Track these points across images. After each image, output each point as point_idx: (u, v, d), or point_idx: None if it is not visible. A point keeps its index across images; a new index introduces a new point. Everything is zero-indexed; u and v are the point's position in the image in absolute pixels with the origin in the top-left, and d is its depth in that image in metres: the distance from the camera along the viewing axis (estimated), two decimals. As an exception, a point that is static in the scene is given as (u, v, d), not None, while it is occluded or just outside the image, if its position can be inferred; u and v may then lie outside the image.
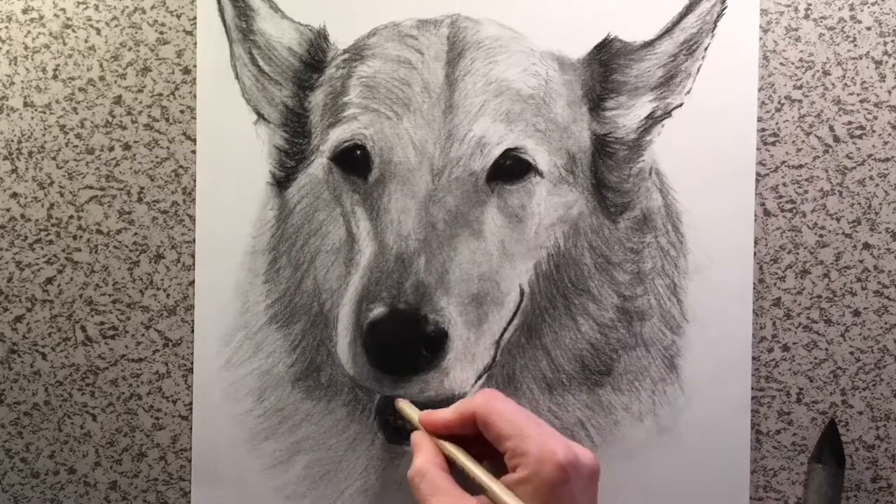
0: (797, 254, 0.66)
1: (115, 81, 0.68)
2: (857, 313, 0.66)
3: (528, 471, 0.46)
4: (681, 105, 0.65)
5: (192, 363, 0.67)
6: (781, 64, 0.66)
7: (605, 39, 0.64)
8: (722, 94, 0.64)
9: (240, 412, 0.66)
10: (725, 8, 0.64)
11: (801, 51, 0.66)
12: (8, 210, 0.69)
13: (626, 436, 0.65)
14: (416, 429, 0.52)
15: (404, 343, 0.62)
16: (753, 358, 0.65)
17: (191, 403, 0.68)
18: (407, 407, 0.55)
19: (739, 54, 0.64)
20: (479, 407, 0.49)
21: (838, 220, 0.66)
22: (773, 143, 0.66)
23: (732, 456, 0.64)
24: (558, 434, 0.47)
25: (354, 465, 0.66)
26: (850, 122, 0.66)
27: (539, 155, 0.63)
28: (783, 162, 0.66)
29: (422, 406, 0.64)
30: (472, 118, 0.63)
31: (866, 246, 0.66)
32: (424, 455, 0.50)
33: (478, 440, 0.49)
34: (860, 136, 0.66)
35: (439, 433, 0.51)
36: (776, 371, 0.66)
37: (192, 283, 0.68)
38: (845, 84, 0.66)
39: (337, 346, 0.64)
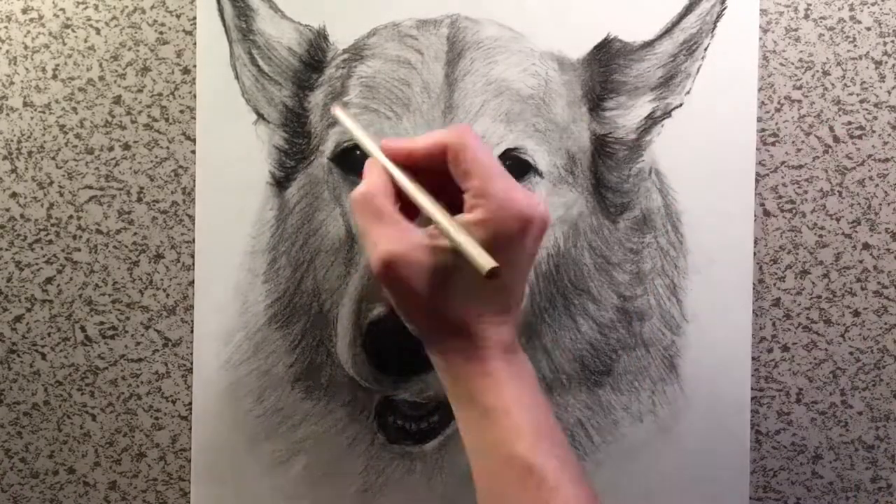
0: (797, 254, 0.66)
1: (115, 81, 0.68)
2: (856, 313, 0.66)
3: (487, 214, 0.44)
4: (680, 105, 0.65)
5: (191, 363, 0.67)
6: (781, 64, 0.66)
7: (605, 39, 0.64)
8: (722, 94, 0.64)
9: (239, 412, 0.66)
10: (725, 8, 0.64)
11: (801, 51, 0.66)
12: (7, 210, 0.69)
13: (625, 436, 0.65)
14: (366, 155, 0.50)
15: (404, 343, 0.62)
16: (753, 358, 0.65)
17: (190, 403, 0.68)
18: (349, 120, 0.52)
19: (739, 54, 0.64)
20: (454, 139, 0.47)
21: (838, 220, 0.66)
22: (773, 144, 0.66)
23: (732, 456, 0.64)
24: (520, 187, 0.46)
25: (354, 465, 0.66)
26: (849, 123, 0.66)
27: (539, 155, 0.63)
28: (783, 162, 0.66)
29: (421, 406, 0.65)
30: (472, 118, 0.63)
31: (866, 246, 0.66)
32: (373, 179, 0.48)
33: (433, 180, 0.48)
34: (860, 137, 0.66)
35: (398, 161, 0.49)
36: (776, 371, 0.66)
37: (191, 283, 0.67)
38: (845, 84, 0.66)
39: (337, 346, 0.64)
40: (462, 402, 0.46)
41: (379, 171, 0.48)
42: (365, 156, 0.64)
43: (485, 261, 0.42)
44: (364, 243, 0.47)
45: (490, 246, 0.43)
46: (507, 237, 0.44)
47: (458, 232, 0.44)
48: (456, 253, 0.44)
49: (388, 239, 0.45)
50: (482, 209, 0.45)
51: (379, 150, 0.49)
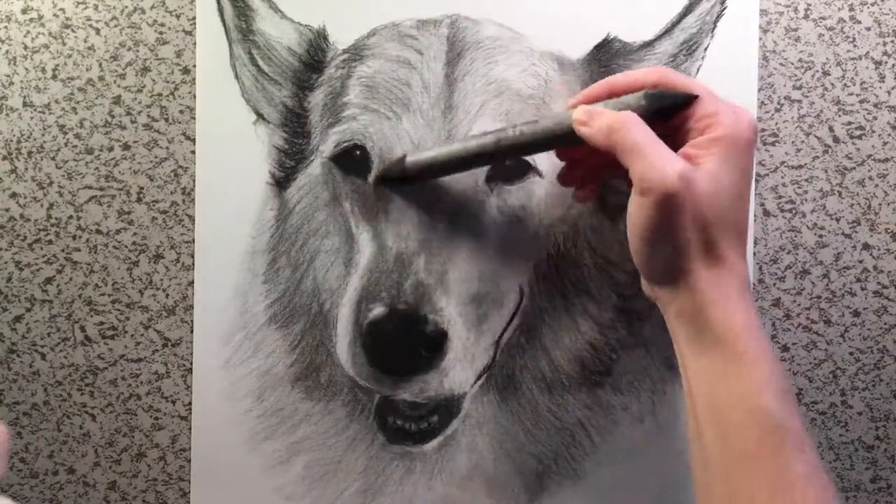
0: (797, 254, 0.66)
1: (115, 81, 0.68)
2: (856, 314, 0.66)
3: (723, 130, 0.45)
4: (680, 105, 0.65)
5: (191, 363, 0.67)
6: (781, 64, 0.66)
7: (605, 40, 0.64)
8: (721, 94, 0.64)
9: (239, 412, 0.66)
10: (725, 8, 0.64)
11: (801, 51, 0.66)
12: (7, 210, 0.69)
13: (625, 436, 0.65)
14: (366, 155, 0.50)
15: (404, 343, 0.62)
16: (753, 358, 0.65)
17: (190, 403, 0.68)
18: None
19: (739, 55, 0.64)
20: (662, 74, 0.48)
21: (838, 220, 0.66)
22: (773, 144, 0.66)
23: (732, 456, 0.64)
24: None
25: (354, 465, 0.66)
26: (849, 123, 0.66)
27: (539, 155, 0.63)
28: (783, 162, 0.66)
29: (421, 406, 0.65)
30: (472, 118, 0.63)
31: (866, 246, 0.66)
32: (626, 112, 0.48)
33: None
34: (860, 137, 0.66)
35: (600, 98, 0.50)
36: (776, 371, 0.66)
37: (191, 283, 0.67)
38: (845, 84, 0.66)
39: (336, 346, 0.64)
40: (707, 344, 0.44)
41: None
42: (365, 156, 0.64)
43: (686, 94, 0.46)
44: (639, 162, 0.46)
45: (734, 159, 0.44)
46: (744, 146, 0.45)
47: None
48: (723, 178, 0.45)
49: (677, 160, 0.45)
50: (716, 127, 0.45)
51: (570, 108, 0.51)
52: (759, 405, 0.41)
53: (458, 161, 0.58)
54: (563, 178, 0.61)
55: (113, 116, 0.68)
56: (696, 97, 0.47)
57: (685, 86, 0.48)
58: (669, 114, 0.48)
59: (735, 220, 0.46)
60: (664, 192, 0.44)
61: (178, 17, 0.68)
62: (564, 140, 0.53)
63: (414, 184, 0.62)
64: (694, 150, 0.46)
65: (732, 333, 0.43)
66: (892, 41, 0.65)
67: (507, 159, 0.62)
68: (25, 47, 0.68)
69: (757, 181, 0.65)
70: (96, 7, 0.68)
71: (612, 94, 0.50)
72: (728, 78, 0.64)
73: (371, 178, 0.57)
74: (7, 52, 0.68)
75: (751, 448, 0.41)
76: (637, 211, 0.46)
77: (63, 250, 0.69)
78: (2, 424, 0.21)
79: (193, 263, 0.67)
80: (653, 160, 0.45)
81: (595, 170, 0.59)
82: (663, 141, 0.47)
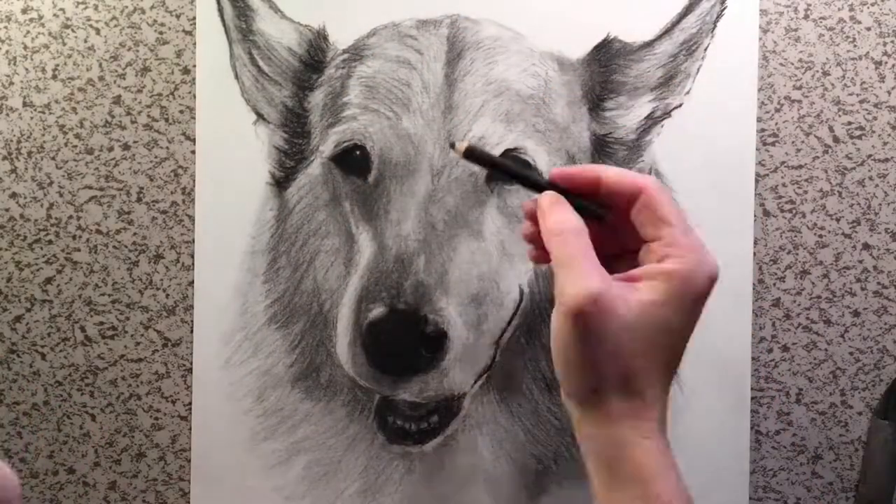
0: (797, 254, 0.66)
1: (115, 81, 0.68)
2: (856, 314, 0.66)
3: (681, 266, 0.43)
4: (680, 105, 0.65)
5: (191, 363, 0.67)
6: (781, 64, 0.66)
7: (605, 40, 0.64)
8: (721, 94, 0.64)
9: (239, 412, 0.66)
10: (725, 8, 0.64)
11: (801, 51, 0.66)
12: (7, 210, 0.69)
13: (625, 436, 0.65)
14: (513, 176, 0.48)
15: (404, 343, 0.62)
16: (753, 358, 0.65)
17: (190, 403, 0.68)
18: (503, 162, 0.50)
19: (739, 55, 0.64)
20: (652, 184, 0.45)
21: (838, 220, 0.66)
22: (773, 144, 0.66)
23: (732, 456, 0.64)
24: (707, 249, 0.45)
25: (354, 465, 0.66)
26: (849, 123, 0.65)
27: (539, 155, 0.63)
28: (783, 162, 0.66)
29: (421, 406, 0.64)
30: (472, 118, 0.63)
31: (866, 246, 0.66)
32: (574, 214, 0.45)
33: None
34: (860, 137, 0.65)
35: (584, 186, 0.47)
36: (776, 371, 0.66)
37: (191, 283, 0.67)
38: (845, 84, 0.66)
39: (336, 346, 0.64)
40: (620, 479, 0.43)
41: (571, 209, 0.46)
42: (365, 156, 0.64)
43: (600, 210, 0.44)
44: (562, 274, 0.44)
45: (678, 299, 0.42)
46: (696, 293, 0.43)
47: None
48: (652, 307, 0.43)
49: (599, 279, 0.43)
50: (676, 260, 0.43)
51: (540, 177, 0.48)
52: None
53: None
54: (524, 235, 0.59)
55: (113, 116, 0.68)
56: (606, 214, 0.44)
57: (660, 211, 0.46)
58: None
59: (664, 357, 0.44)
60: (573, 308, 0.42)
61: (178, 17, 0.68)
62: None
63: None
64: (639, 273, 0.45)
65: (646, 474, 0.42)
66: (892, 41, 0.65)
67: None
68: (25, 47, 0.68)
69: (757, 181, 0.65)
70: (96, 7, 0.68)
71: (596, 184, 0.48)
72: (728, 78, 0.64)
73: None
74: (7, 52, 0.68)
75: None
76: (554, 325, 0.45)
77: (63, 250, 0.69)
78: (9, 469, 0.21)
79: (193, 263, 0.67)
80: (573, 275, 0.43)
81: None
82: (629, 257, 0.46)
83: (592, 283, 0.42)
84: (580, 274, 0.43)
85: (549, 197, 0.46)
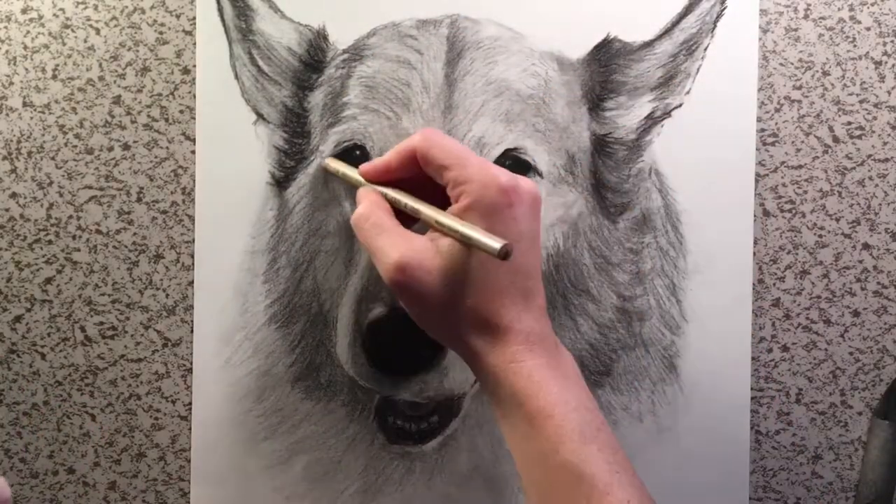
0: (796, 254, 0.66)
1: (115, 81, 0.68)
2: (856, 314, 0.66)
3: (472, 197, 0.44)
4: (680, 105, 0.65)
5: (191, 363, 0.67)
6: (781, 64, 0.66)
7: (605, 39, 0.64)
8: (721, 94, 0.64)
9: (239, 412, 0.66)
10: (725, 8, 0.64)
11: (801, 51, 0.66)
12: (7, 210, 0.69)
13: (625, 436, 0.65)
14: (354, 186, 0.52)
15: (404, 343, 0.62)
16: (753, 358, 0.65)
17: (190, 403, 0.68)
18: (339, 165, 0.54)
19: (739, 55, 0.64)
20: (419, 142, 0.47)
21: (838, 220, 0.66)
22: (773, 144, 0.66)
23: (732, 456, 0.64)
24: (496, 166, 0.46)
25: (354, 465, 0.66)
26: (849, 123, 0.66)
27: (539, 155, 0.63)
28: (782, 162, 0.66)
29: (421, 406, 0.65)
30: (472, 118, 0.63)
31: (866, 246, 0.66)
32: (367, 201, 0.49)
33: (417, 184, 0.48)
34: (860, 137, 0.66)
35: (381, 180, 0.50)
36: (775, 371, 0.66)
37: (191, 283, 0.67)
38: (845, 84, 0.66)
39: (336, 346, 0.64)
40: (504, 406, 0.44)
41: (369, 193, 0.49)
42: (364, 156, 0.64)
43: (494, 242, 0.42)
44: (374, 259, 0.47)
45: (485, 227, 0.43)
46: (498, 213, 0.44)
47: (459, 223, 0.44)
48: (462, 246, 0.44)
49: (396, 247, 0.45)
50: (466, 194, 0.44)
51: (361, 177, 0.52)
52: (558, 461, 0.41)
53: None
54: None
55: (113, 116, 0.68)
56: (505, 245, 0.44)
57: (438, 156, 0.46)
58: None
59: (502, 282, 0.44)
60: (390, 283, 0.45)
61: (178, 17, 0.68)
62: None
63: None
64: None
65: (522, 394, 0.42)
66: (892, 41, 0.65)
67: None
68: (25, 47, 0.68)
69: (757, 181, 0.65)
70: (96, 7, 0.68)
71: (391, 171, 0.49)
72: (728, 78, 0.64)
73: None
74: (7, 52, 0.68)
75: (560, 500, 0.41)
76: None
77: (63, 250, 0.69)
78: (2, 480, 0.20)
79: (193, 263, 0.67)
80: (377, 254, 0.46)
81: None
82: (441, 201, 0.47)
83: (392, 254, 0.44)
84: (380, 250, 0.45)
85: (360, 191, 0.50)
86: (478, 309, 0.45)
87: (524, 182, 0.45)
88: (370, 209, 0.48)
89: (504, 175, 0.45)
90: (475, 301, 0.45)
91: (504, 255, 0.42)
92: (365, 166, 0.51)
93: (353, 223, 0.48)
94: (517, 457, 0.45)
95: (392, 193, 0.49)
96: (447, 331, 0.47)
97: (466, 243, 0.44)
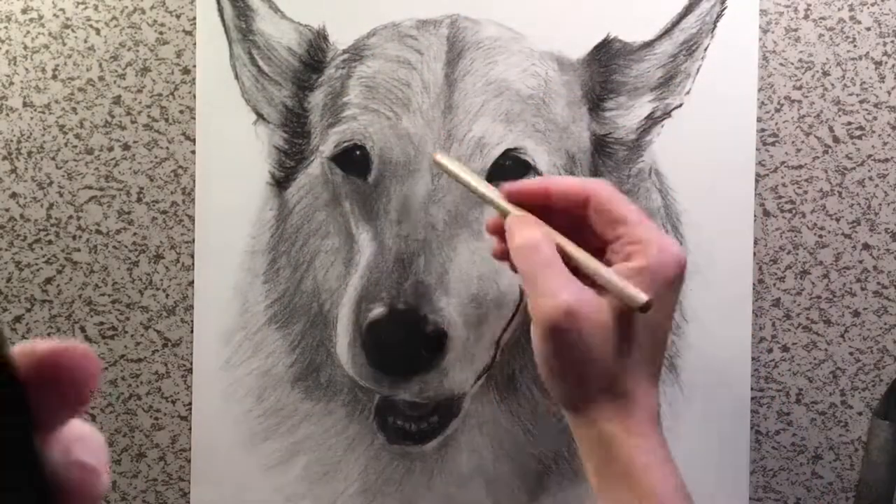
0: (797, 254, 0.66)
1: (115, 81, 0.68)
2: (856, 314, 0.66)
3: (647, 260, 0.42)
4: (680, 105, 0.65)
5: (191, 363, 0.67)
6: (781, 64, 0.66)
7: (605, 40, 0.64)
8: (721, 94, 0.64)
9: (239, 412, 0.66)
10: (725, 8, 0.64)
11: (801, 51, 0.66)
12: (7, 210, 0.69)
13: (625, 436, 0.65)
14: (365, 154, 0.46)
15: (404, 343, 0.62)
16: (753, 358, 0.65)
17: (190, 404, 0.68)
18: (460, 170, 0.48)
19: (739, 55, 0.64)
20: (599, 187, 0.45)
21: (838, 220, 0.66)
22: (773, 144, 0.66)
23: (732, 456, 0.64)
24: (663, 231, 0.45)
25: (354, 465, 0.66)
26: (849, 123, 0.66)
27: (538, 155, 0.63)
28: (783, 162, 0.66)
29: (421, 406, 0.64)
30: (472, 118, 0.63)
31: (866, 246, 0.66)
32: (537, 230, 0.45)
33: (544, 218, 0.46)
34: (860, 137, 0.65)
35: (534, 200, 0.46)
36: (776, 371, 0.66)
37: (191, 283, 0.67)
38: (845, 84, 0.66)
39: (336, 346, 0.64)
40: (611, 479, 0.43)
41: (538, 223, 0.45)
42: (364, 156, 0.64)
43: (637, 294, 0.41)
44: (532, 291, 0.44)
45: (652, 293, 0.42)
46: (667, 283, 0.43)
47: (608, 272, 0.42)
48: (627, 309, 0.42)
49: (567, 290, 0.42)
50: (641, 255, 0.42)
51: (501, 197, 0.47)
52: None
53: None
54: (495, 254, 0.57)
55: (113, 116, 0.68)
56: (648, 301, 0.44)
57: (615, 209, 0.45)
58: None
59: (647, 353, 0.43)
60: (548, 325, 0.42)
61: (178, 17, 0.68)
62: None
63: None
64: None
65: (637, 471, 0.42)
66: (892, 41, 0.65)
67: None
68: (25, 47, 0.68)
69: (757, 181, 0.65)
70: (96, 7, 0.68)
71: (546, 197, 0.48)
72: (728, 78, 0.64)
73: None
74: (7, 52, 0.68)
75: None
76: (533, 338, 0.44)
77: (63, 250, 0.69)
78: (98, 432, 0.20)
79: (193, 263, 0.67)
80: (541, 290, 0.43)
81: None
82: (595, 255, 0.45)
83: (562, 296, 0.42)
84: (549, 288, 0.43)
85: (511, 219, 0.46)
86: (620, 376, 0.43)
87: (684, 253, 0.44)
88: (542, 240, 0.44)
89: (676, 245, 0.44)
90: (621, 367, 0.43)
91: (645, 308, 0.41)
92: (514, 186, 0.47)
93: (518, 247, 0.44)
94: None
95: (557, 235, 0.45)
96: (576, 388, 0.44)
97: (609, 288, 0.42)
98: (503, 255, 0.49)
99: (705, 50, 0.64)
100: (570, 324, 0.42)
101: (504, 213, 0.47)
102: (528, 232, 0.45)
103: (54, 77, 0.68)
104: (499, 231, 0.48)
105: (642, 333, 0.43)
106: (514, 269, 0.47)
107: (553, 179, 0.48)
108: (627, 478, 0.42)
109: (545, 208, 0.46)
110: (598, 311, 0.42)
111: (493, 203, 0.47)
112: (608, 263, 0.44)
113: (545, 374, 0.45)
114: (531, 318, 0.44)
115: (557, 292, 0.42)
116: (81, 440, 0.21)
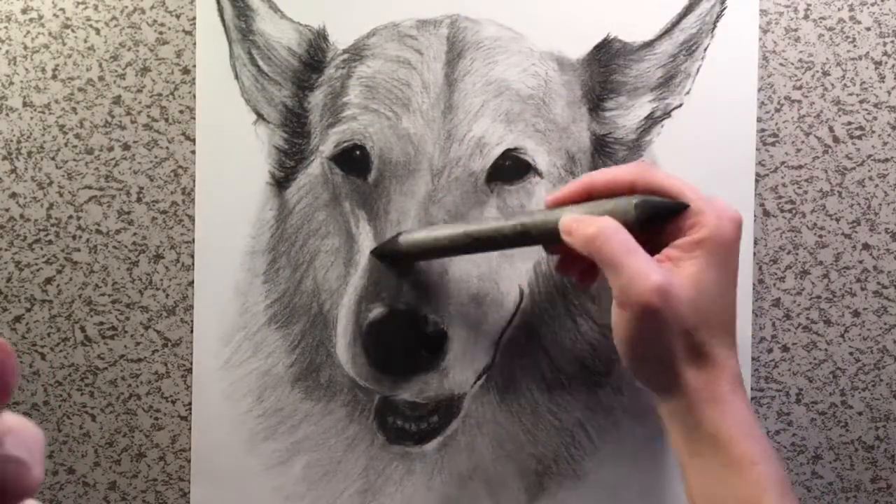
0: (797, 254, 0.66)
1: (115, 81, 0.68)
2: (856, 314, 0.66)
3: (707, 231, 0.44)
4: (680, 105, 0.65)
5: (191, 363, 0.67)
6: (781, 64, 0.66)
7: (605, 40, 0.64)
8: (721, 94, 0.64)
9: (239, 412, 0.66)
10: (725, 8, 0.64)
11: (801, 51, 0.66)
12: (7, 210, 0.69)
13: (626, 437, 0.65)
14: (366, 154, 0.48)
15: (404, 343, 0.62)
16: (753, 358, 0.65)
17: (190, 404, 0.68)
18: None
19: (739, 55, 0.64)
20: (641, 172, 0.47)
21: (838, 220, 0.66)
22: (773, 144, 0.66)
23: (732, 456, 0.64)
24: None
25: (354, 465, 0.66)
26: (849, 123, 0.66)
27: (539, 155, 0.63)
28: (783, 162, 0.66)
29: (421, 406, 0.64)
30: (472, 118, 0.63)
31: (866, 246, 0.66)
32: (605, 219, 0.46)
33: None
34: (860, 137, 0.66)
35: (577, 199, 0.49)
36: (776, 371, 0.66)
37: (191, 283, 0.67)
38: (845, 84, 0.66)
39: (336, 346, 0.64)
40: (704, 447, 0.43)
41: (603, 216, 0.47)
42: (364, 156, 0.64)
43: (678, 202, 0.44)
44: (616, 275, 0.45)
45: (718, 260, 0.43)
46: (729, 246, 0.44)
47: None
48: (704, 277, 0.44)
49: (656, 270, 0.44)
50: (700, 228, 0.44)
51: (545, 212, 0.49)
52: None
53: (453, 249, 0.58)
54: (560, 268, 0.59)
55: (113, 116, 0.68)
56: (686, 206, 0.45)
57: (666, 185, 0.47)
58: (657, 222, 0.46)
59: (721, 318, 0.45)
60: (642, 308, 0.43)
61: (178, 17, 0.68)
62: (555, 240, 0.52)
63: (407, 264, 0.61)
64: (676, 253, 0.46)
65: (728, 435, 0.42)
66: (892, 41, 0.65)
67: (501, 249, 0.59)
68: (25, 47, 0.68)
69: (757, 181, 0.65)
70: (96, 7, 0.68)
71: (591, 194, 0.48)
72: (728, 78, 0.64)
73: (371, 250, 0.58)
74: (7, 52, 0.68)
75: None
76: (619, 323, 0.45)
77: (63, 250, 0.69)
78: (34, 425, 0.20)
79: (193, 263, 0.67)
80: (630, 274, 0.44)
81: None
82: (645, 239, 0.46)
83: (654, 277, 0.43)
84: (637, 271, 0.44)
85: (568, 219, 0.47)
86: (705, 342, 0.44)
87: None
88: (615, 226, 0.45)
89: (729, 206, 0.45)
90: (707, 333, 0.44)
91: (685, 207, 0.44)
92: (558, 195, 0.50)
93: (593, 237, 0.45)
94: (705, 496, 0.44)
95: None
96: (667, 361, 0.45)
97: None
98: (566, 267, 0.50)
99: (705, 50, 0.64)
100: (663, 302, 0.43)
101: (554, 225, 0.48)
102: (596, 221, 0.46)
103: (54, 77, 0.68)
104: (560, 249, 0.50)
105: (717, 300, 0.44)
106: (580, 281, 0.49)
107: (594, 176, 0.49)
108: (715, 446, 0.43)
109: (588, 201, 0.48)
110: (681, 286, 0.43)
111: (545, 224, 0.49)
112: (664, 242, 0.46)
113: (634, 359, 0.46)
114: (617, 304, 0.45)
115: (649, 273, 0.43)
116: (12, 433, 0.21)
